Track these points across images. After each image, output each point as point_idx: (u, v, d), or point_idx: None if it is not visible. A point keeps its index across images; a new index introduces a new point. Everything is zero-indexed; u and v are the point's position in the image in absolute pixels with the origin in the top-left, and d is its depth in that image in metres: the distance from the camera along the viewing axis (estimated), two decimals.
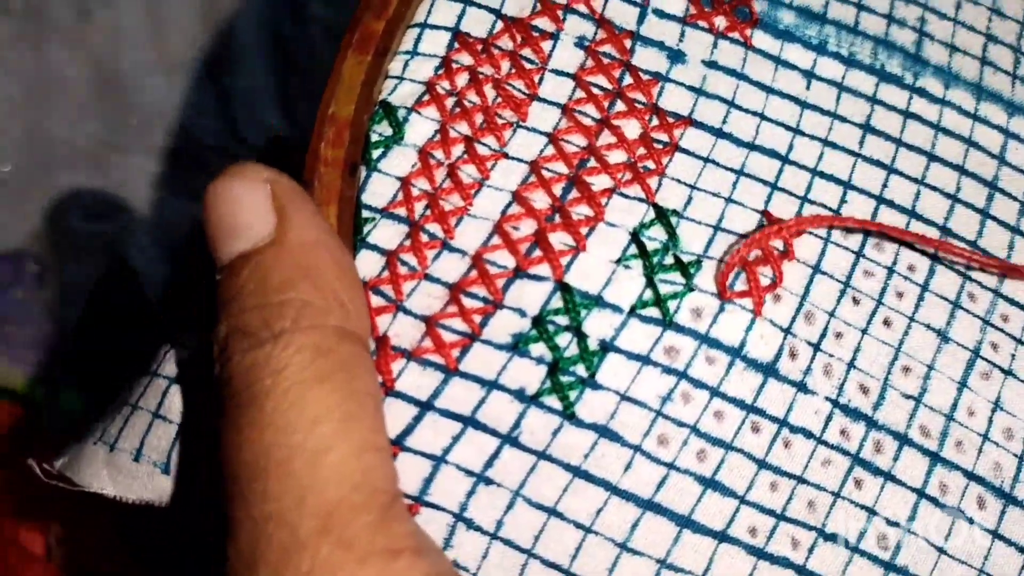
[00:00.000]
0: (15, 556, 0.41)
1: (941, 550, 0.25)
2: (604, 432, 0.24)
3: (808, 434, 0.25)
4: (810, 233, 0.27)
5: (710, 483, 0.24)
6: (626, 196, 0.26)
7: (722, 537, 0.24)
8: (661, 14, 0.29)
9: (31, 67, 0.50)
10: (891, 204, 0.28)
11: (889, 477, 0.25)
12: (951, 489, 0.26)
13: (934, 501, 0.26)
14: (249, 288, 0.22)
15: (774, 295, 0.26)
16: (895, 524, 0.25)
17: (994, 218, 0.29)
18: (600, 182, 0.27)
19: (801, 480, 0.25)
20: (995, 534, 0.26)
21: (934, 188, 0.29)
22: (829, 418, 0.26)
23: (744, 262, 0.26)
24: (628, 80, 0.28)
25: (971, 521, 0.26)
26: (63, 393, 0.45)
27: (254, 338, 0.22)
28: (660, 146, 0.27)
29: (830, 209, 0.28)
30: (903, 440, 0.26)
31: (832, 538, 0.25)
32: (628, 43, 0.29)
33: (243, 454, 0.21)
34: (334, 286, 0.23)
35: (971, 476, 0.26)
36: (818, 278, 0.27)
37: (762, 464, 0.25)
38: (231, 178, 0.24)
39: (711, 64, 0.29)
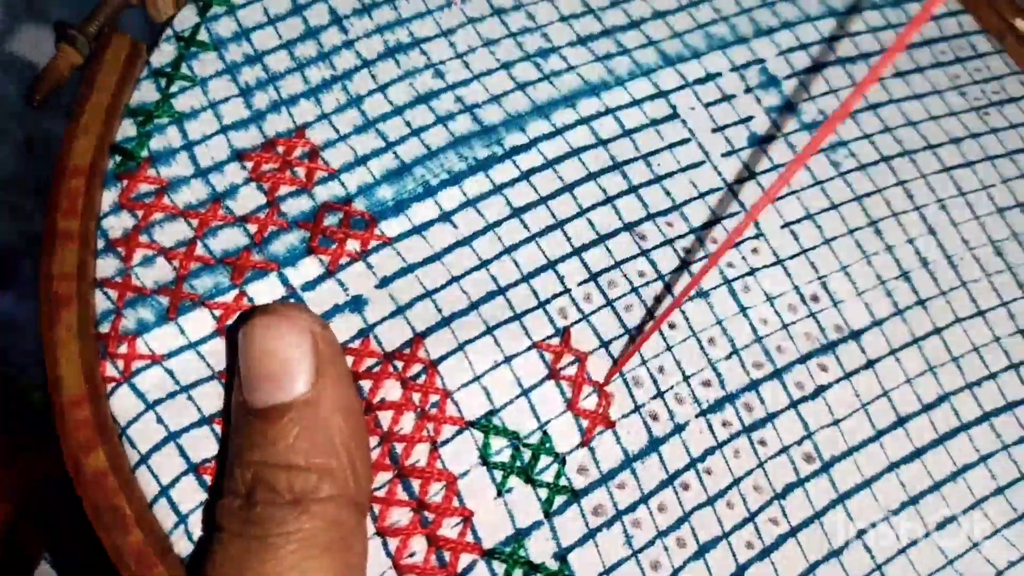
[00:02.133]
0: None
1: None
2: None
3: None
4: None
5: None
6: (449, 442, 0.27)
7: None
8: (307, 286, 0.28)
9: None
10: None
11: None
12: None
13: None
14: (281, 445, 0.24)
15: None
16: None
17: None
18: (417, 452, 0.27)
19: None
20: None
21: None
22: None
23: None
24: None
25: None
26: None
27: (277, 495, 0.23)
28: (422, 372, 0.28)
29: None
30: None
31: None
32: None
33: None
34: (352, 455, 0.24)
35: None
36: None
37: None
38: (281, 321, 0.24)
39: (389, 280, 0.28)
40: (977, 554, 0.29)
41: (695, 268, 0.30)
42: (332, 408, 0.24)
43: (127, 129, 0.30)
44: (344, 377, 0.25)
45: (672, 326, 0.29)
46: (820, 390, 0.29)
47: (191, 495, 0.26)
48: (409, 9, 0.32)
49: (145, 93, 0.30)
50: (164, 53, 0.31)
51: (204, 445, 0.26)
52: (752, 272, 0.31)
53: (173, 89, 0.30)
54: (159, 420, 0.26)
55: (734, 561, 0.27)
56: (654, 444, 0.28)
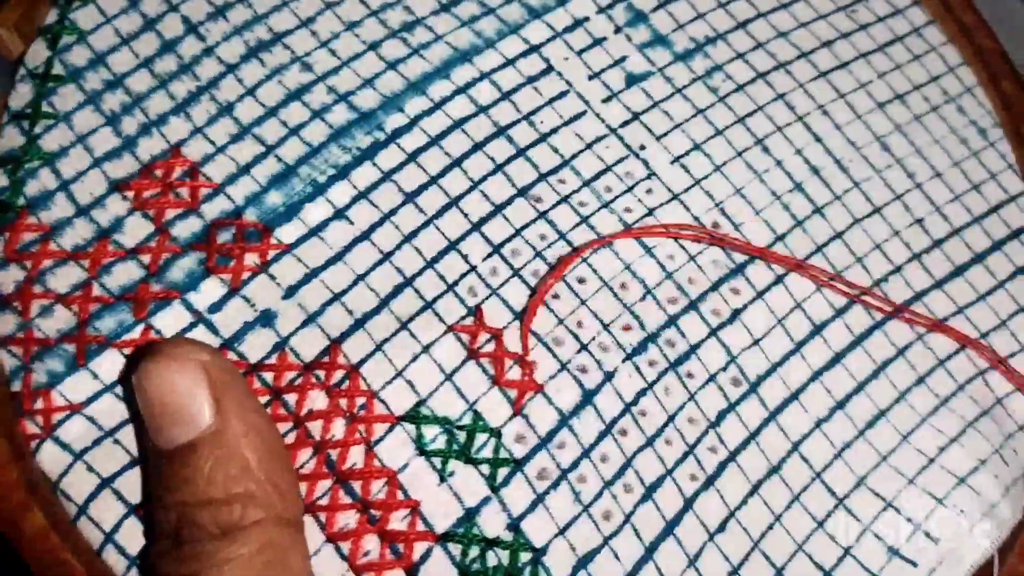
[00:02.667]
0: None
1: None
2: None
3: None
4: None
5: None
6: (382, 440, 0.27)
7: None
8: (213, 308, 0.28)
9: None
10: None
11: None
12: None
13: None
14: (197, 482, 0.24)
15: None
16: None
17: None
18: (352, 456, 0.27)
19: None
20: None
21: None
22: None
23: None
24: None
25: None
26: None
27: (204, 531, 0.23)
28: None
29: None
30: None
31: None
32: None
33: None
34: (269, 472, 0.24)
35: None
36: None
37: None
38: (169, 362, 0.25)
39: (295, 288, 0.28)
40: (908, 446, 0.30)
41: (594, 220, 0.30)
42: (239, 432, 0.24)
43: None
44: (245, 398, 0.25)
45: (581, 280, 0.29)
46: (736, 313, 0.30)
47: (137, 537, 0.25)
48: (264, 4, 0.32)
49: (9, 140, 0.29)
50: (21, 95, 0.30)
51: (139, 486, 0.26)
52: (650, 212, 0.31)
53: (38, 130, 0.29)
54: (90, 469, 0.26)
55: (681, 496, 0.28)
56: (587, 397, 0.28)
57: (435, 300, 0.28)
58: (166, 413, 0.25)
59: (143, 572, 0.25)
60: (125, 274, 0.28)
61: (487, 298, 0.29)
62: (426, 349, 0.28)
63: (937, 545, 0.28)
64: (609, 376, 0.28)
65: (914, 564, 0.28)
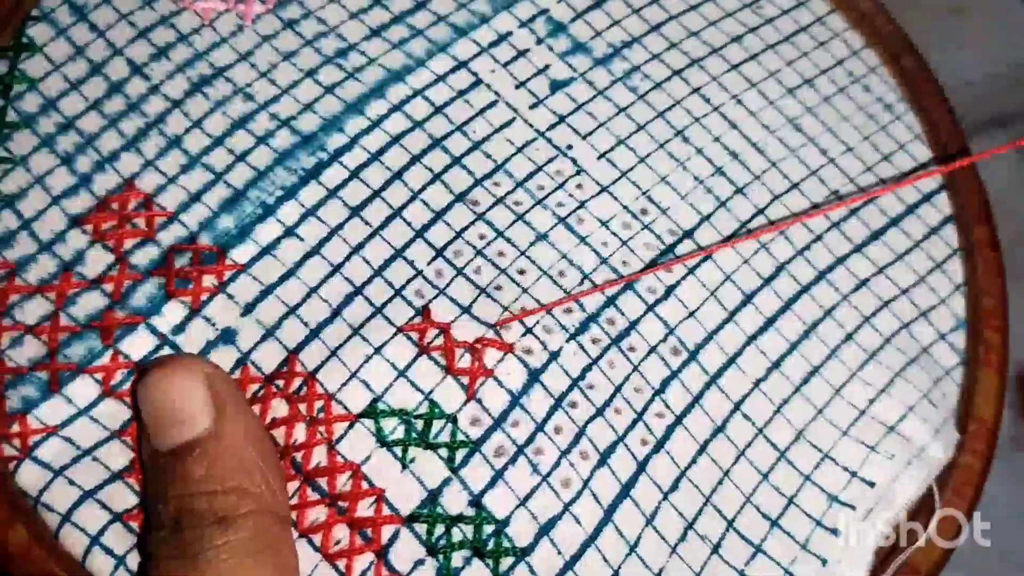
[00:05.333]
0: None
1: None
2: None
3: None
4: None
5: None
6: (343, 438, 0.28)
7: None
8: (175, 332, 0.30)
9: None
10: None
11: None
12: None
13: None
14: (195, 476, 0.26)
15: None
16: None
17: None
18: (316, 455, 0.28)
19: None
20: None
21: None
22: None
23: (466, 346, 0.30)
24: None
25: None
26: None
27: (202, 518, 0.25)
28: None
29: None
30: None
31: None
32: None
33: None
34: (263, 473, 0.26)
35: None
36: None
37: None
38: (175, 371, 0.27)
39: (252, 305, 0.30)
40: (840, 399, 0.32)
41: (529, 217, 0.32)
42: (236, 435, 0.26)
43: None
44: (242, 406, 0.27)
45: (521, 272, 0.31)
46: (670, 289, 0.32)
47: (123, 539, 0.27)
48: (203, 43, 0.33)
49: None
50: None
51: (123, 497, 0.27)
52: (582, 205, 0.33)
53: None
54: (71, 483, 0.27)
55: (634, 459, 0.29)
56: (534, 376, 0.30)
57: (384, 305, 0.30)
58: (166, 415, 0.27)
59: (142, 558, 0.27)
60: (90, 303, 0.29)
61: (434, 298, 0.30)
62: (378, 350, 0.29)
63: (873, 488, 0.30)
64: (554, 355, 0.30)
65: (852, 507, 0.30)
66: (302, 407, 0.28)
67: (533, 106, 0.34)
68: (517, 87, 0.35)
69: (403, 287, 0.30)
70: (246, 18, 0.34)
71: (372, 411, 0.29)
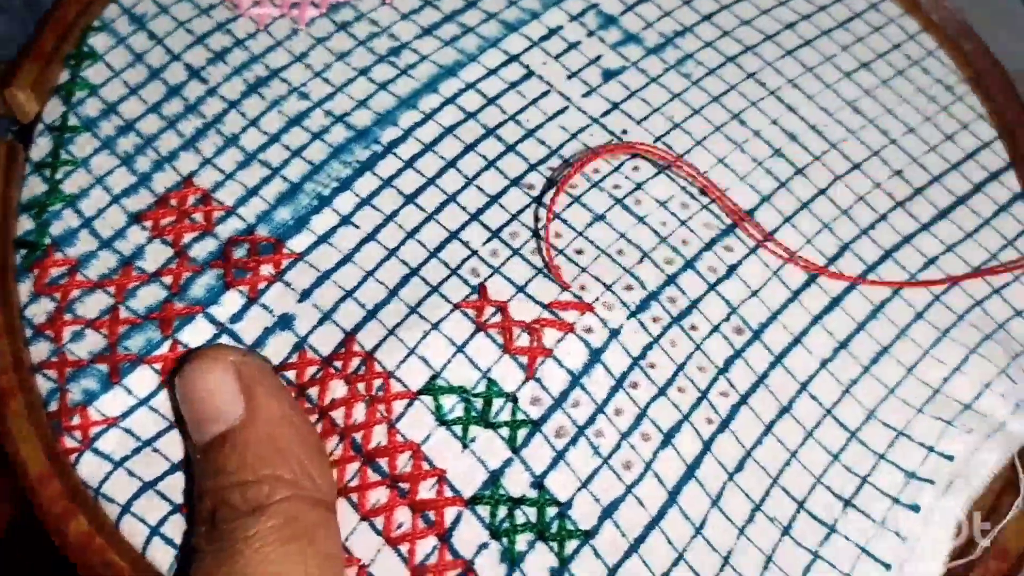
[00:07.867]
0: None
1: None
2: None
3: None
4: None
5: None
6: (403, 416, 0.28)
7: None
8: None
9: None
10: None
11: None
12: None
13: None
14: (229, 467, 0.26)
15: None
16: None
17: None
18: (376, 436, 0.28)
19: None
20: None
21: None
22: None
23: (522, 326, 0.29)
24: None
25: None
26: None
27: (236, 510, 0.25)
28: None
29: None
30: None
31: None
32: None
33: None
34: (300, 457, 0.26)
35: None
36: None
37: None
38: (203, 366, 0.27)
39: (309, 291, 0.30)
40: (912, 378, 0.31)
41: (585, 199, 0.32)
42: (269, 422, 0.26)
43: (25, 224, 0.31)
44: (275, 391, 0.27)
45: (579, 252, 0.31)
46: (732, 268, 0.31)
47: (183, 529, 0.27)
48: (259, 46, 0.34)
49: (33, 187, 0.31)
50: (41, 147, 0.32)
51: (182, 487, 0.27)
52: (639, 187, 0.32)
53: (59, 176, 0.31)
54: (131, 474, 0.27)
55: (699, 439, 0.29)
56: (595, 356, 0.29)
57: (440, 284, 0.30)
58: (200, 409, 0.27)
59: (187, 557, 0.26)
60: (150, 296, 0.29)
61: (489, 276, 0.30)
62: (435, 326, 0.29)
63: (952, 462, 0.29)
64: (615, 333, 0.29)
65: (931, 482, 0.29)
66: (361, 387, 0.28)
67: (586, 94, 0.34)
68: (569, 77, 0.34)
69: (459, 266, 0.30)
70: (300, 22, 0.35)
71: (431, 388, 0.28)
